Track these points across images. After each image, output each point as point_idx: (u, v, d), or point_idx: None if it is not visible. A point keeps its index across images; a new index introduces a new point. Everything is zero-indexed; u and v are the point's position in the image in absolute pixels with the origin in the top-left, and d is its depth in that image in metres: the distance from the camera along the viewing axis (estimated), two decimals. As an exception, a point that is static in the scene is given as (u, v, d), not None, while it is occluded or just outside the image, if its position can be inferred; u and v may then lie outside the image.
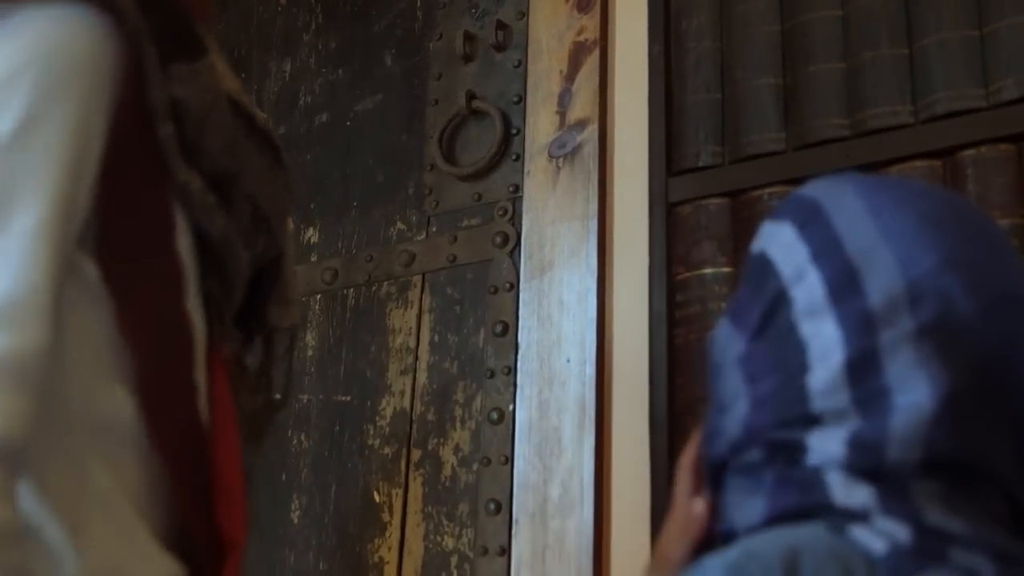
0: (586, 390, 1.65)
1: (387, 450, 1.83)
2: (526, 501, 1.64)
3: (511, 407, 1.72)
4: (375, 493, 1.81)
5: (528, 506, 1.64)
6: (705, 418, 1.02)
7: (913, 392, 0.86)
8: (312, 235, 2.06)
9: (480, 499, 1.70)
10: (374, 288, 1.95)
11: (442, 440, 1.78)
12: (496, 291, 1.81)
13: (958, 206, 0.99)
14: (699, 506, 1.00)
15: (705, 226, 1.57)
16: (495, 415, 1.73)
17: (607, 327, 1.66)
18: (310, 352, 1.98)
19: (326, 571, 1.82)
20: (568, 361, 1.68)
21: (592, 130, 1.76)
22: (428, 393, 1.83)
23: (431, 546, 1.73)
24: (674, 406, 1.52)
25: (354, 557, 1.80)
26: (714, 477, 1.00)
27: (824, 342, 0.90)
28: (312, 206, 2.08)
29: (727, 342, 0.99)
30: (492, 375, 1.76)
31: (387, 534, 1.78)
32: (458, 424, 1.78)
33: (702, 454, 1.02)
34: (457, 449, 1.76)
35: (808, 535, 0.84)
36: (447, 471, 1.76)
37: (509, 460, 1.68)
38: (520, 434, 1.69)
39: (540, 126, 1.82)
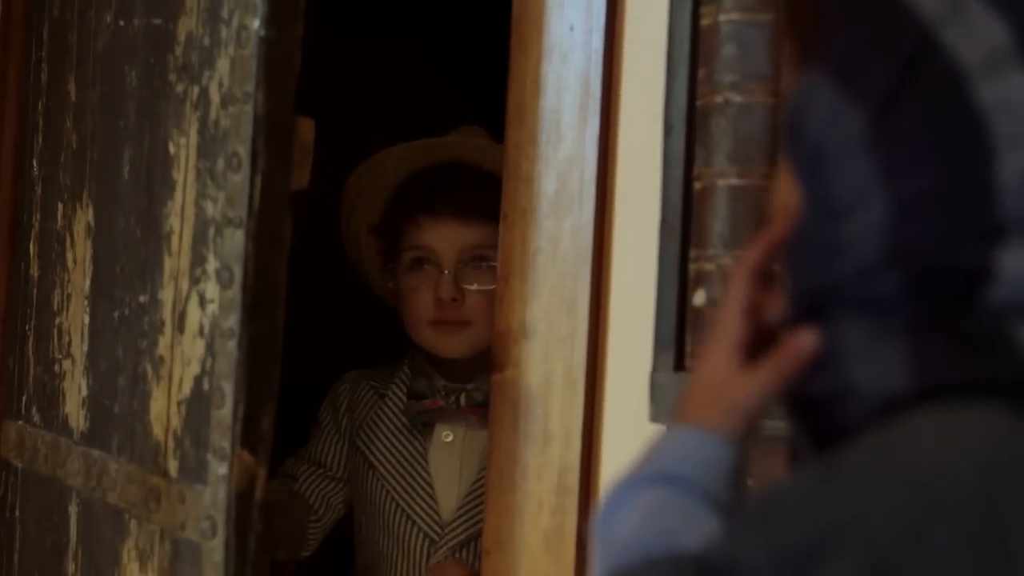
0: (591, 66, 1.40)
1: (180, 87, 1.47)
2: (517, 194, 1.44)
3: (255, 23, 1.31)
4: (170, 144, 1.48)
5: (519, 201, 1.43)
6: (796, 221, 0.74)
7: None
8: None
9: (227, 151, 1.35)
10: None
11: (211, 73, 1.40)
12: None
13: None
14: (809, 340, 0.72)
15: None
16: (243, 35, 1.32)
17: (620, -8, 1.39)
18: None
19: (141, 240, 1.53)
20: (571, 29, 1.42)
21: None
22: (206, 9, 1.44)
23: (200, 212, 1.40)
24: (694, 102, 1.28)
25: (155, 225, 1.50)
26: (813, 308, 0.73)
27: (1020, 112, 0.63)
28: None
29: (832, 115, 0.69)
30: None
31: (175, 196, 1.47)
32: (223, 49, 1.38)
33: (796, 277, 0.75)
34: (220, 84, 1.38)
35: (1006, 436, 0.59)
36: (213, 114, 1.40)
37: (252, 97, 1.30)
38: (511, 113, 1.45)
39: None
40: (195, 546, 1.30)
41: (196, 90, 1.40)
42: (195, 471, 1.32)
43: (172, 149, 1.44)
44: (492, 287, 1.73)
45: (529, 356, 1.41)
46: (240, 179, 1.29)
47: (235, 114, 1.32)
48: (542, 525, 1.39)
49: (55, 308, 1.72)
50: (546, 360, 1.39)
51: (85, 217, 1.65)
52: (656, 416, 1.26)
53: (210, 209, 1.35)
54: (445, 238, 1.85)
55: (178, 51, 1.46)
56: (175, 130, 1.44)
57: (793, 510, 0.63)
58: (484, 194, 1.79)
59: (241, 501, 1.25)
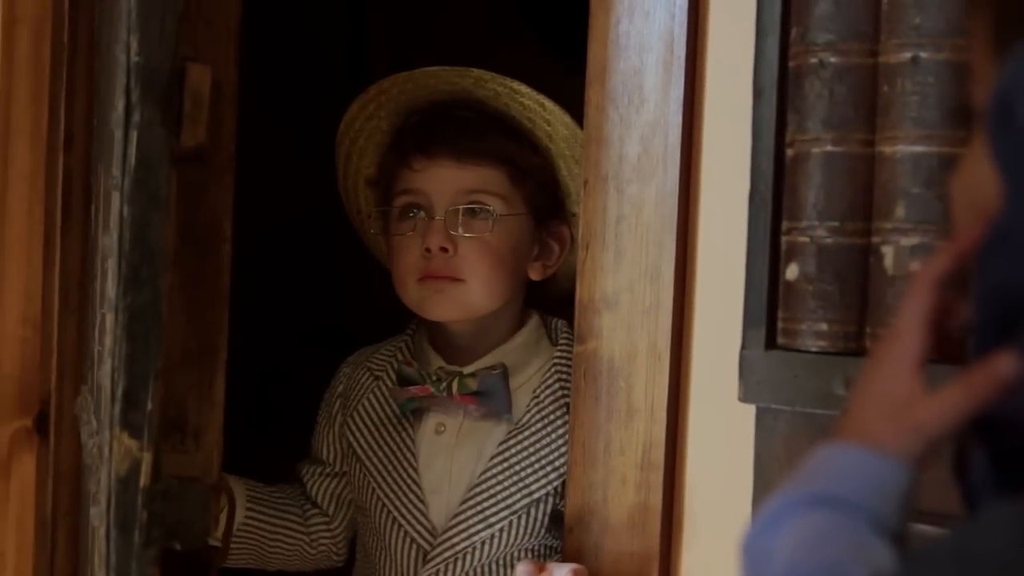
0: (675, 24, 1.34)
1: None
2: (598, 159, 1.38)
3: None
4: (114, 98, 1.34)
5: (600, 166, 1.38)
6: (1001, 221, 0.67)
7: None
8: None
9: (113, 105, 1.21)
10: None
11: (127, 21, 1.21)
12: None
13: None
14: (1008, 365, 0.65)
15: None
16: None
17: (707, -59, 1.32)
18: None
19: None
20: (653, -16, 1.36)
21: None
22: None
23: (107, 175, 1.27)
24: (786, 63, 1.21)
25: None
26: (1007, 314, 0.66)
27: None
28: None
29: None
30: None
31: (113, 158, 1.34)
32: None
33: (990, 277, 0.67)
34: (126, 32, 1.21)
35: None
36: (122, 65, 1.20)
37: (125, 43, 1.16)
38: (592, 74, 1.39)
39: None
40: (95, 532, 1.21)
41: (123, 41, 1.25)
42: (99, 454, 1.23)
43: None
44: (488, 235, 1.58)
45: (612, 328, 1.36)
46: (119, 136, 1.14)
47: (117, 64, 1.17)
48: (627, 501, 1.35)
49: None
50: (629, 332, 1.34)
51: (103, 180, 1.59)
52: (745, 396, 1.21)
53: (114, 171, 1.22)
54: (438, 180, 1.60)
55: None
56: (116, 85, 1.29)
57: (1001, 556, 0.58)
58: (485, 133, 1.61)
59: (122, 488, 1.13)
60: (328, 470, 1.70)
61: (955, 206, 0.73)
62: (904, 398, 0.72)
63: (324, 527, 1.70)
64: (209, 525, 1.24)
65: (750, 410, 1.22)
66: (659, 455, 1.32)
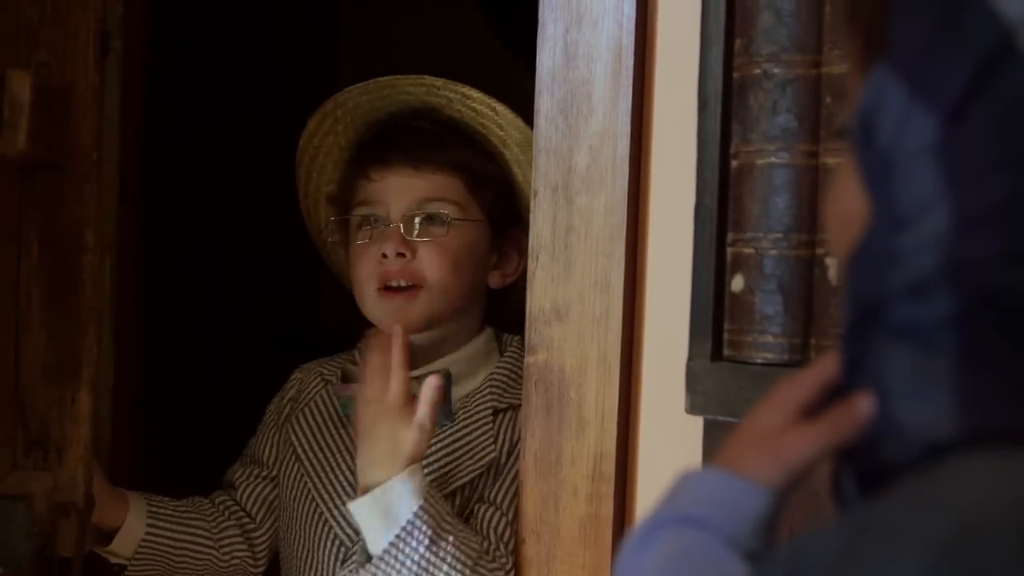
0: (624, 34, 1.34)
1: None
2: (548, 170, 1.37)
3: None
4: None
5: (550, 176, 1.37)
6: (864, 234, 0.68)
7: None
8: None
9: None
10: None
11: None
12: None
13: None
14: (863, 408, 0.67)
15: None
16: None
17: (652, -44, 1.32)
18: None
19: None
20: (602, -7, 1.35)
21: None
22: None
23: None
24: (731, 74, 1.21)
25: None
26: (857, 327, 0.68)
27: None
28: None
29: (902, 118, 0.64)
30: None
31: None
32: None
33: (847, 288, 0.70)
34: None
35: None
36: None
37: None
38: (541, 84, 1.39)
39: None
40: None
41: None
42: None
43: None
44: (444, 239, 1.55)
45: (562, 338, 1.35)
46: None
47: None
48: (578, 512, 1.35)
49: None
50: (579, 343, 1.34)
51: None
52: (692, 408, 1.21)
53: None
54: (395, 188, 1.57)
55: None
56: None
57: (824, 563, 0.59)
58: (441, 141, 1.59)
59: None
60: (265, 473, 1.67)
61: (830, 220, 0.75)
62: (775, 431, 0.75)
63: (239, 538, 1.65)
64: (43, 546, 1.19)
65: (699, 421, 1.22)
66: (610, 466, 1.32)
